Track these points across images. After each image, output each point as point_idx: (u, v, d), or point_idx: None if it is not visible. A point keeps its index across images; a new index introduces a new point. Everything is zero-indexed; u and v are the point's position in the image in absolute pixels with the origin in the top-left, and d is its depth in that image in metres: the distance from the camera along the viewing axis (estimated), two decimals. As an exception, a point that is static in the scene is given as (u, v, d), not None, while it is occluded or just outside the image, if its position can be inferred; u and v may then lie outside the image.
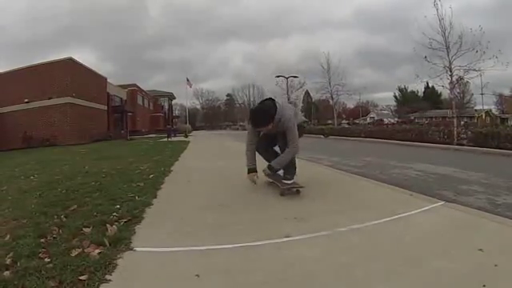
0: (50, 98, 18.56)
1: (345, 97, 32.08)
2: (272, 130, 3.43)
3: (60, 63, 19.56)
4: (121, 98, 31.74)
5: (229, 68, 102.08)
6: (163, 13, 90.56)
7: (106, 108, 25.30)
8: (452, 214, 2.71)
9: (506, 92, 43.86)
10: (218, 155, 8.86)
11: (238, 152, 9.68)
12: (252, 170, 3.66)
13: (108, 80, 26.71)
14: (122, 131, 28.19)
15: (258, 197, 3.47)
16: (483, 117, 39.88)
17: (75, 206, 2.98)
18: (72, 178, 4.68)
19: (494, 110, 45.72)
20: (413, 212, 2.73)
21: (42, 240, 2.12)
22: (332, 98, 29.07)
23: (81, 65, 21.48)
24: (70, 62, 20.00)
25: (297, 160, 3.74)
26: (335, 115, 30.72)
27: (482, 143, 11.28)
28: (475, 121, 35.99)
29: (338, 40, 71.49)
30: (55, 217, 2.66)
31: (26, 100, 18.58)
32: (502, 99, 44.96)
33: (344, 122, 54.32)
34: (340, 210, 2.85)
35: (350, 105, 61.17)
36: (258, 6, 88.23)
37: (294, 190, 3.48)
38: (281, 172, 3.68)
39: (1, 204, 3.31)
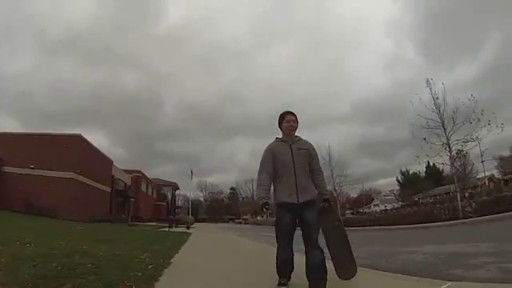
0: (54, 170, 18.74)
1: (347, 187, 32.39)
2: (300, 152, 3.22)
3: (69, 138, 20.30)
4: (125, 183, 32.07)
5: (234, 163, 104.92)
6: (177, 108, 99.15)
7: (109, 190, 25.44)
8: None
9: (506, 153, 42.61)
10: (220, 250, 8.76)
11: (239, 248, 9.47)
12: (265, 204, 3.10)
13: (114, 163, 27.47)
14: (123, 216, 27.71)
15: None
16: (486, 183, 38.98)
17: (70, 286, 2.89)
18: (69, 255, 4.56)
19: (497, 174, 44.34)
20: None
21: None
22: (335, 190, 29.03)
23: (89, 143, 22.14)
24: (79, 139, 20.70)
25: (297, 256, 3.24)
26: (338, 207, 30.43)
27: (488, 211, 11.03)
28: (479, 189, 34.93)
29: (338, 133, 75.20)
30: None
31: (32, 166, 18.67)
32: (503, 161, 43.58)
33: (348, 211, 53.41)
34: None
35: (353, 194, 60.34)
36: (261, 107, 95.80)
37: None
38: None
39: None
